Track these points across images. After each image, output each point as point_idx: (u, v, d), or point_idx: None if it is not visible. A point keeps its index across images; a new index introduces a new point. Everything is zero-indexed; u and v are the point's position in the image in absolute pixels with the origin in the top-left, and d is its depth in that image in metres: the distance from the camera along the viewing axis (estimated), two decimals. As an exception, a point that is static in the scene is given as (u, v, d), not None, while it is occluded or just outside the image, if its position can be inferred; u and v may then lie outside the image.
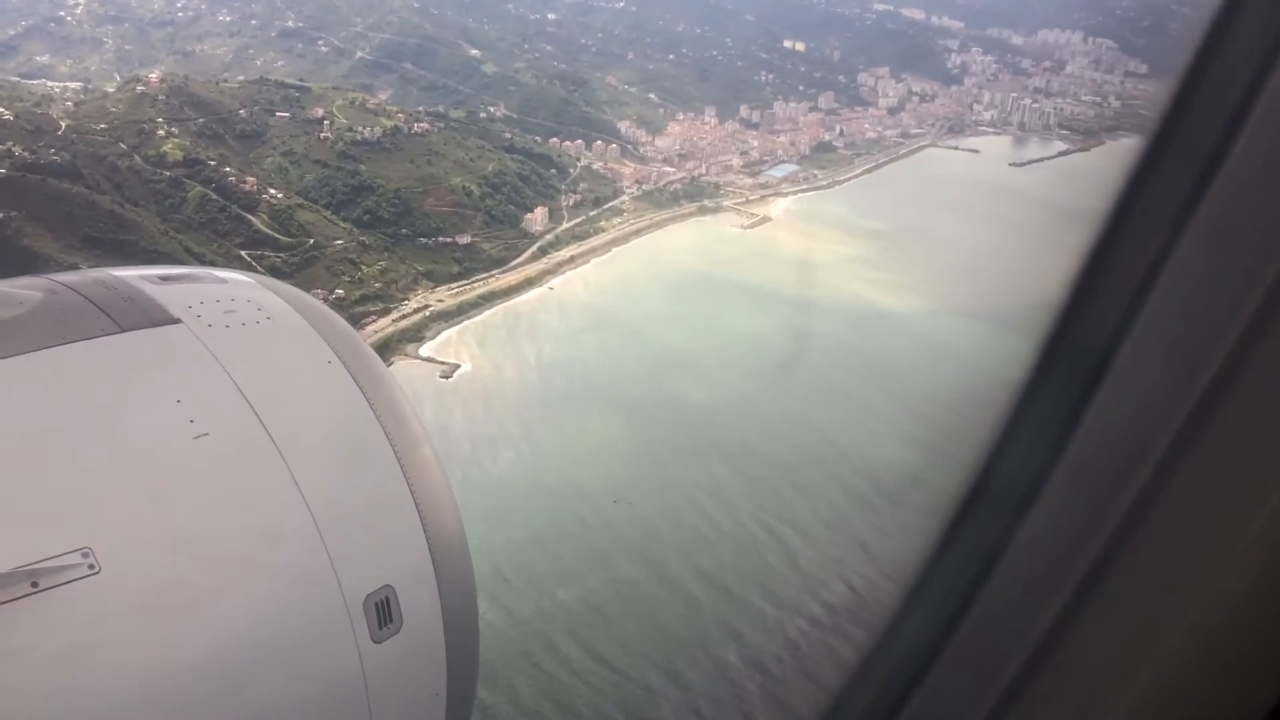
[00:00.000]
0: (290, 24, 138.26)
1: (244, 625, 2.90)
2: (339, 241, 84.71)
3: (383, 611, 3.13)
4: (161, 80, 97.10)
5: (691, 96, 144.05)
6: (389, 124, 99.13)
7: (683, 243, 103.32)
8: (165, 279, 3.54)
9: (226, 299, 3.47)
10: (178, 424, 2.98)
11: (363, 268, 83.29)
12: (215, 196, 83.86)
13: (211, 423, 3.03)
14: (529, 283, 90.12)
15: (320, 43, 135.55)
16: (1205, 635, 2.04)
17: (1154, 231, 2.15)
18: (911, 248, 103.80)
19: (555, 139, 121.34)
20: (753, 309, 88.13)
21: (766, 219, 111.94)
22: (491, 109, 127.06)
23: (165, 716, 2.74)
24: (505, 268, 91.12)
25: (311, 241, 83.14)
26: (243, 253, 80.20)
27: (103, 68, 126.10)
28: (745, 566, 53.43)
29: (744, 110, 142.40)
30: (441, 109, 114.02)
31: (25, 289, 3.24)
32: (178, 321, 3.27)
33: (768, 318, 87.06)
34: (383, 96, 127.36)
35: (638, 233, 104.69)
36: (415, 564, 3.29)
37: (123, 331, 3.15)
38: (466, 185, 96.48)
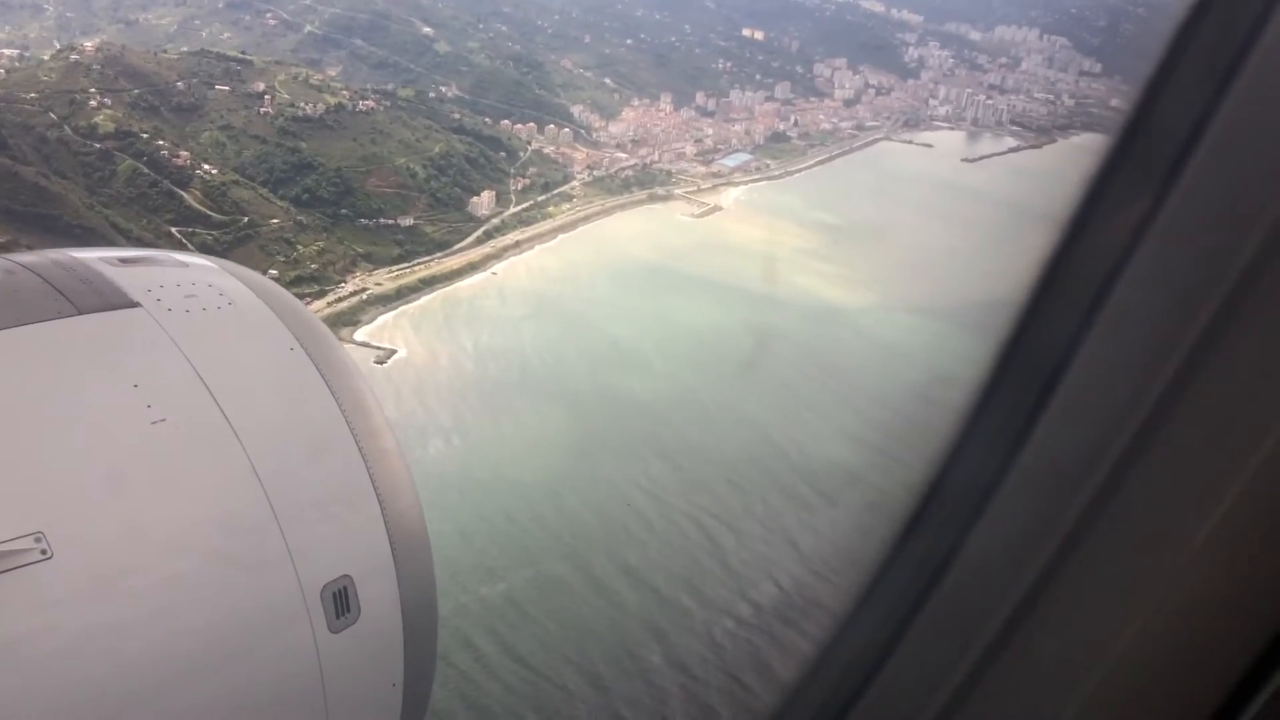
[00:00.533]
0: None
1: (199, 613, 2.87)
2: (275, 220, 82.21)
3: (340, 601, 3.09)
4: (97, 49, 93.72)
5: (647, 82, 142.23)
6: (333, 101, 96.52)
7: (632, 230, 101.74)
8: (125, 261, 3.48)
9: (187, 283, 3.41)
10: (135, 409, 2.93)
11: (299, 248, 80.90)
12: (147, 171, 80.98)
13: (169, 408, 2.98)
14: (472, 267, 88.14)
15: (268, 15, 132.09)
16: (1156, 639, 2.06)
17: (1114, 234, 2.13)
18: (862, 241, 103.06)
19: (507, 121, 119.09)
20: (699, 300, 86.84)
21: (717, 208, 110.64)
22: (443, 89, 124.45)
23: (118, 703, 2.70)
24: (448, 251, 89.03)
25: (246, 220, 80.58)
26: (173, 229, 77.56)
27: (42, 35, 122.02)
28: (674, 564, 52.25)
29: (700, 98, 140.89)
30: (390, 87, 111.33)
31: None
32: (137, 305, 3.21)
33: (714, 309, 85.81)
34: (331, 73, 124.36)
35: (586, 219, 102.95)
36: (374, 554, 3.26)
37: (80, 314, 3.10)
38: (411, 166, 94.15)
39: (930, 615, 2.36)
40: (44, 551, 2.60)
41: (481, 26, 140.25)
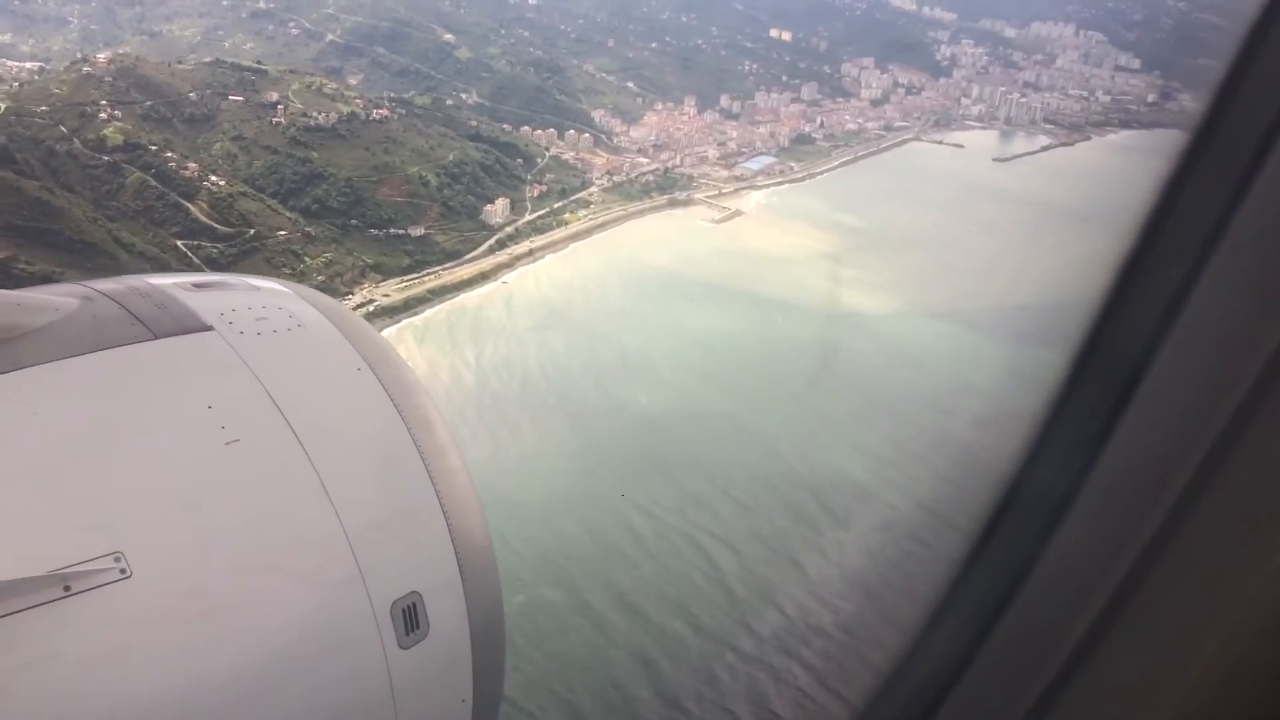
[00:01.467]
0: (261, 5, 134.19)
1: (272, 631, 2.94)
2: (282, 232, 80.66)
3: (410, 618, 3.16)
4: (110, 61, 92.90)
5: (671, 86, 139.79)
6: (346, 110, 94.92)
7: (649, 237, 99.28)
8: (199, 286, 3.61)
9: (259, 306, 3.53)
10: (209, 430, 3.02)
11: (306, 259, 79.23)
12: (154, 183, 79.69)
13: (242, 429, 3.07)
14: (483, 277, 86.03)
15: (291, 25, 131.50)
16: (1236, 656, 2.01)
17: (1191, 236, 2.13)
18: (885, 245, 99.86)
19: (527, 127, 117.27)
20: (715, 308, 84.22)
21: (738, 213, 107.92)
22: (464, 95, 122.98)
23: (194, 719, 2.77)
24: (459, 261, 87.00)
25: (253, 231, 79.07)
26: (179, 243, 76.22)
27: (66, 47, 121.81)
28: (669, 589, 49.64)
29: (724, 100, 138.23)
30: (408, 95, 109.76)
31: (61, 295, 3.28)
32: (210, 329, 3.33)
33: (730, 318, 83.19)
34: (352, 81, 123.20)
35: (603, 226, 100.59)
36: (442, 571, 3.33)
37: (156, 338, 3.21)
38: (424, 174, 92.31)
39: (1009, 627, 2.33)
40: (123, 571, 2.67)
41: (503, 32, 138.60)
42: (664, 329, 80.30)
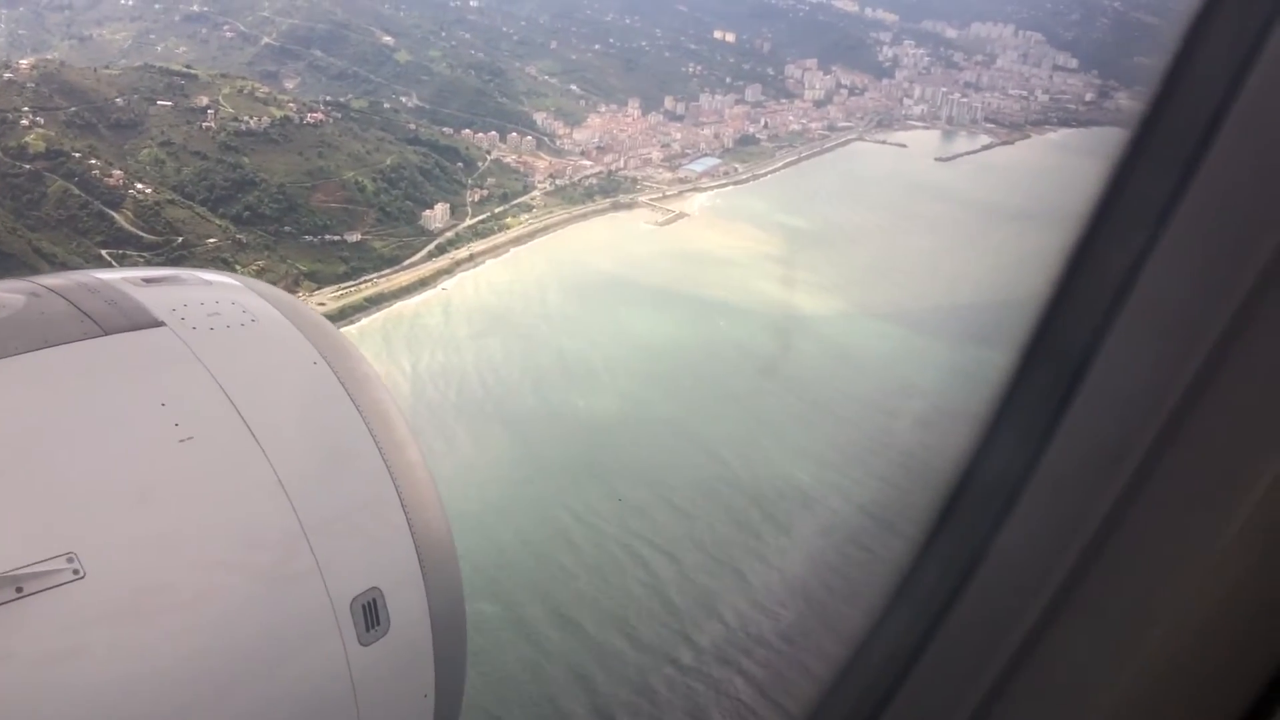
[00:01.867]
0: (195, 9, 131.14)
1: (230, 628, 2.89)
2: (212, 240, 78.46)
3: (370, 614, 3.12)
4: (33, 67, 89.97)
5: (615, 88, 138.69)
6: (279, 114, 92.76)
7: (591, 240, 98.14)
8: (149, 281, 3.51)
9: (210, 301, 3.45)
10: (162, 427, 2.96)
11: (237, 268, 76.87)
12: (78, 192, 77.18)
13: (196, 426, 3.01)
14: (422, 283, 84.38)
15: (225, 28, 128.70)
16: (1184, 640, 2.07)
17: (1133, 231, 2.16)
18: (828, 245, 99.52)
19: (468, 130, 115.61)
20: (657, 312, 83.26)
21: (682, 215, 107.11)
22: (403, 99, 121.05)
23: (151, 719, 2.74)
24: (397, 267, 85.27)
25: (180, 240, 76.79)
26: (103, 252, 73.76)
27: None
28: (607, 601, 48.48)
29: (669, 102, 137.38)
30: (344, 99, 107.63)
31: (7, 292, 3.21)
32: (161, 324, 3.25)
33: (672, 321, 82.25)
34: (289, 85, 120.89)
35: (545, 230, 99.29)
36: (402, 566, 3.27)
37: (106, 335, 3.14)
38: (360, 179, 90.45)
39: (959, 616, 2.35)
40: (76, 571, 2.63)
41: (444, 34, 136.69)
42: (605, 333, 79.19)
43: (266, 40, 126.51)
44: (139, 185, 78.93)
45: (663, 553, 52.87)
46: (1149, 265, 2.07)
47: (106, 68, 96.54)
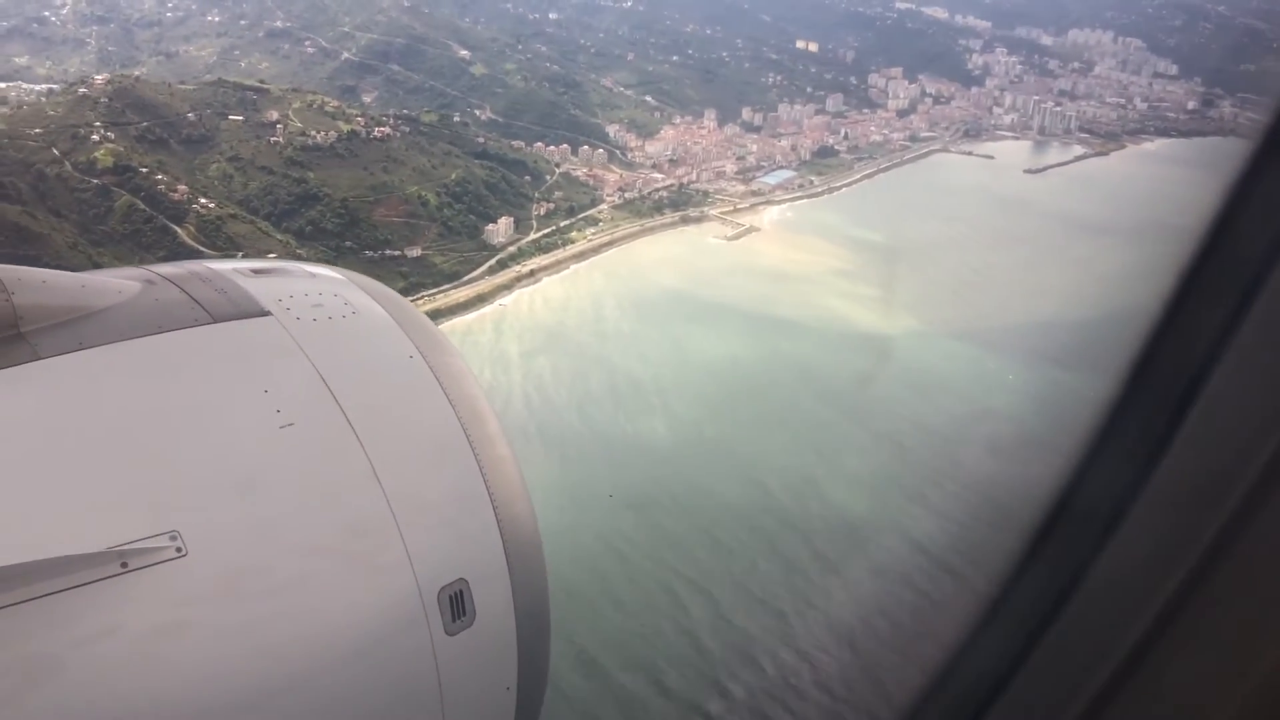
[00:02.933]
0: (279, 24, 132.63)
1: (322, 613, 2.95)
2: (272, 255, 77.73)
3: (456, 604, 3.16)
4: (108, 82, 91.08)
5: (691, 99, 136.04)
6: (346, 128, 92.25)
7: (658, 255, 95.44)
8: (258, 272, 3.65)
9: (315, 293, 3.57)
10: (265, 414, 3.05)
11: (296, 284, 76.29)
12: (143, 206, 77.53)
13: (297, 413, 3.09)
14: (480, 299, 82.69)
15: (307, 43, 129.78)
16: None
17: (1256, 239, 2.09)
18: (903, 261, 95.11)
19: (540, 144, 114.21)
20: (719, 330, 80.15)
21: (753, 229, 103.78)
22: (478, 112, 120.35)
23: (244, 698, 2.80)
24: (457, 283, 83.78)
25: (240, 254, 76.35)
26: (164, 267, 73.56)
27: (82, 69, 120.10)
28: (637, 644, 45.61)
29: (746, 113, 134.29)
30: (414, 113, 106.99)
31: (125, 279, 3.34)
32: (268, 314, 3.36)
33: (738, 340, 79.02)
34: (367, 99, 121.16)
35: (611, 244, 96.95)
36: (489, 559, 3.31)
37: (215, 322, 3.26)
38: (423, 194, 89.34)
39: (1060, 632, 2.30)
40: (179, 550, 2.70)
41: (520, 48, 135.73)
42: (662, 353, 76.41)
43: (346, 55, 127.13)
44: (203, 200, 78.94)
45: (699, 590, 49.84)
46: (1267, 286, 1.96)
47: (182, 83, 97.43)
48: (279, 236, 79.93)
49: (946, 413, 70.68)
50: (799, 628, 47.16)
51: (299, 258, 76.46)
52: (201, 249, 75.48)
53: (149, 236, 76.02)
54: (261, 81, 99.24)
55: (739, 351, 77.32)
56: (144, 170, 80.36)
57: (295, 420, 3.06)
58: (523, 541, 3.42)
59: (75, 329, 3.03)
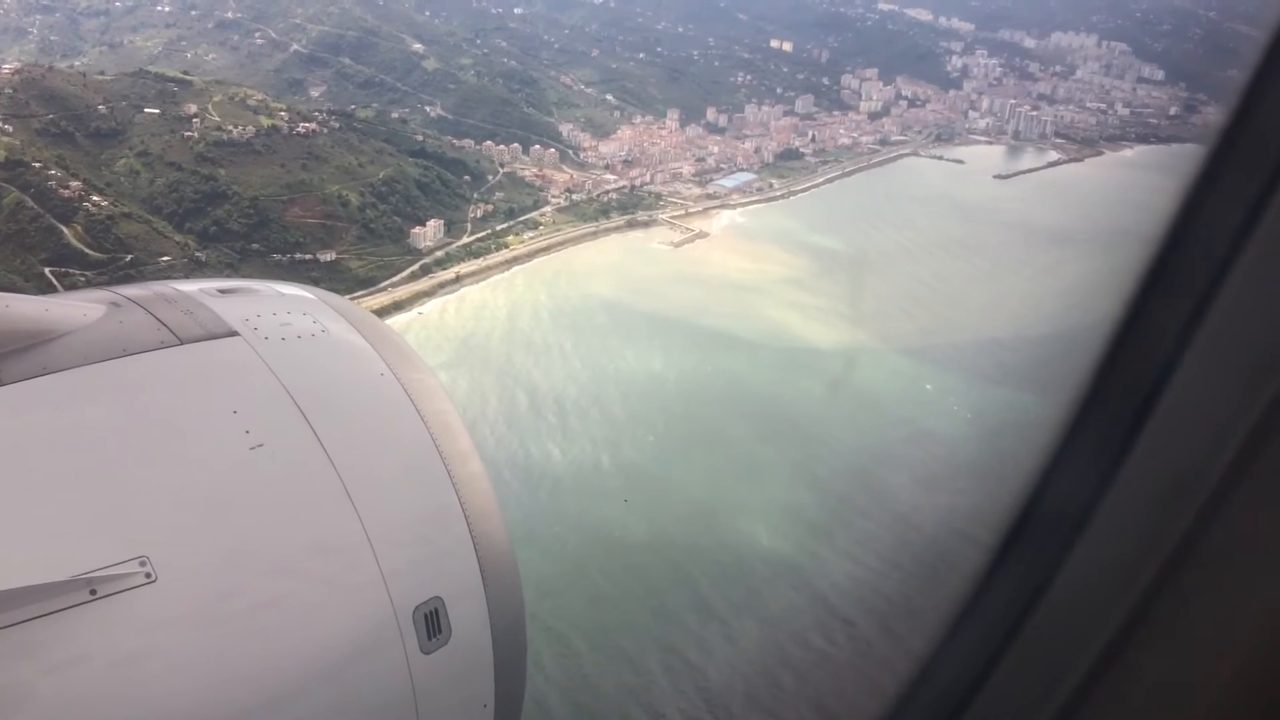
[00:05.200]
0: (230, 15, 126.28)
1: (296, 634, 2.89)
2: (166, 258, 71.45)
3: (432, 623, 3.11)
4: (15, 73, 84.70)
5: (654, 99, 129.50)
6: (267, 123, 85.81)
7: (596, 261, 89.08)
8: (225, 292, 3.58)
9: (283, 312, 3.49)
10: (234, 435, 2.99)
11: (189, 289, 69.86)
12: (31, 204, 71.08)
13: (267, 434, 3.02)
14: (396, 307, 76.28)
15: (257, 35, 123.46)
16: (1264, 665, 1.98)
17: (1214, 244, 2.08)
18: (857, 270, 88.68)
19: (490, 142, 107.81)
20: (654, 344, 73.87)
21: (702, 234, 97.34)
22: (428, 108, 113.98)
23: None
24: (372, 289, 77.40)
25: (129, 258, 69.98)
26: (46, 270, 67.40)
27: (21, 59, 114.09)
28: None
29: (711, 113, 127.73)
30: (348, 109, 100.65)
31: (89, 301, 3.26)
32: (235, 334, 3.29)
33: (669, 355, 72.74)
34: (314, 93, 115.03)
35: (548, 249, 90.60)
36: (464, 576, 3.26)
37: (182, 344, 3.18)
38: (344, 193, 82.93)
39: (1030, 636, 2.30)
40: (148, 575, 2.63)
41: (479, 42, 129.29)
42: (587, 367, 70.16)
43: (296, 47, 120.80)
44: (95, 198, 72.46)
45: (587, 639, 43.55)
46: (1226, 286, 1.96)
47: (101, 74, 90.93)
48: (177, 238, 73.48)
49: (879, 436, 64.43)
50: (667, 686, 40.94)
51: (196, 260, 70.27)
52: (87, 250, 69.12)
53: (34, 237, 69.58)
54: (185, 73, 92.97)
55: (669, 367, 71.06)
56: (37, 165, 73.93)
57: (265, 441, 2.97)
58: (497, 558, 3.30)
59: (38, 354, 2.94)
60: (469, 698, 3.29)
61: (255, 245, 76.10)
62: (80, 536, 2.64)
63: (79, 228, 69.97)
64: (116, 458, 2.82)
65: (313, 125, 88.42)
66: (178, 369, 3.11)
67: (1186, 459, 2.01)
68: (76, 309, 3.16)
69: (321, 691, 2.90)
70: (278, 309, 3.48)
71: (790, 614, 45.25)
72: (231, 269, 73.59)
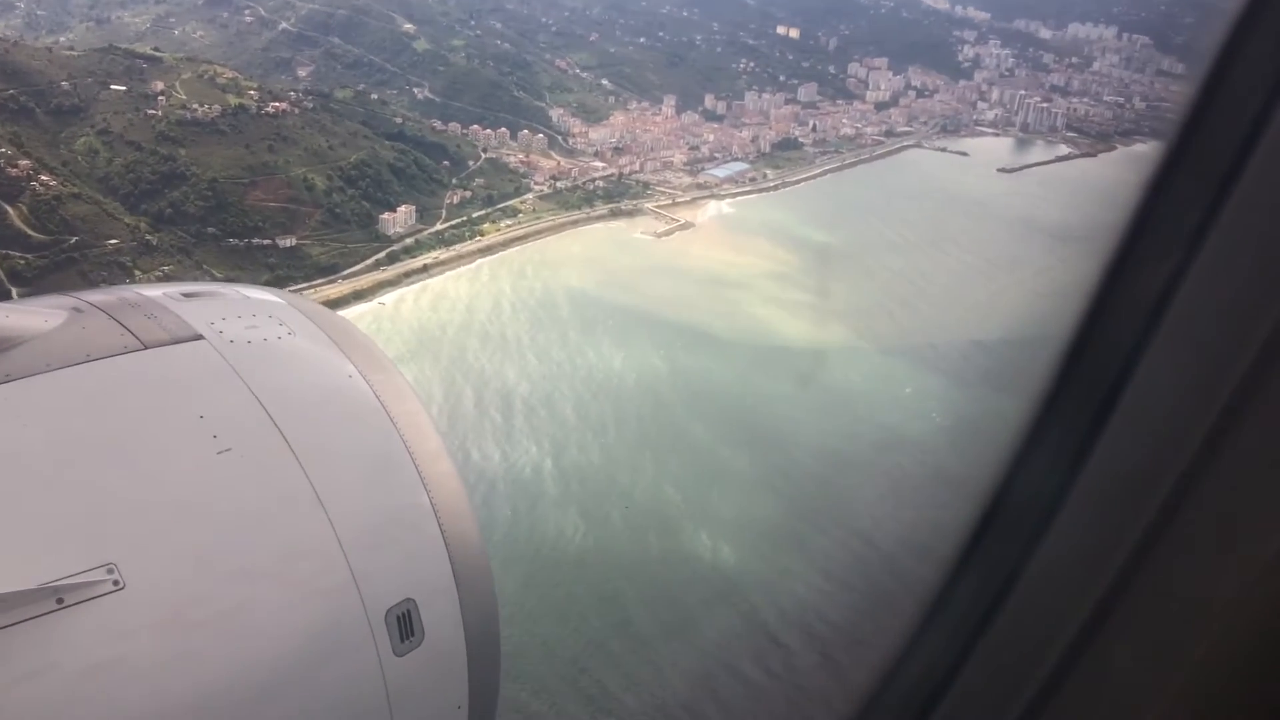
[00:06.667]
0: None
1: (266, 639, 2.87)
2: (113, 241, 68.18)
3: (404, 624, 3.10)
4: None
5: (652, 84, 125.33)
6: (235, 102, 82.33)
7: (573, 251, 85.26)
8: (189, 295, 3.51)
9: (249, 315, 3.45)
10: (200, 440, 2.96)
11: (137, 273, 66.73)
12: (-25, 183, 67.93)
13: (234, 438, 2.99)
14: (356, 296, 72.77)
15: (247, 12, 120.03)
16: (1227, 653, 2.01)
17: (1171, 242, 2.08)
18: (847, 265, 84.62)
19: (477, 126, 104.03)
20: (625, 339, 70.14)
21: (687, 225, 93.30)
22: (416, 90, 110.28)
23: None
24: (333, 277, 73.91)
25: (74, 240, 66.72)
26: (-15, 252, 64.24)
27: (6, 34, 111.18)
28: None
29: (709, 100, 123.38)
30: (328, 89, 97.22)
31: (51, 307, 3.23)
32: (200, 338, 3.25)
33: (640, 351, 68.98)
34: (301, 73, 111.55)
35: (525, 238, 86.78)
36: (436, 577, 3.24)
37: (145, 348, 3.14)
38: (310, 177, 79.34)
39: (999, 631, 2.32)
40: (116, 583, 2.61)
41: (473, 23, 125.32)
42: (549, 365, 66.52)
43: (285, 25, 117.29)
44: (43, 177, 69.22)
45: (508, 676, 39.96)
46: (1188, 279, 1.97)
47: (70, 49, 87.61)
48: (128, 220, 70.11)
49: (854, 440, 60.51)
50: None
51: (147, 244, 67.03)
52: (30, 232, 65.89)
53: (-25, 217, 66.45)
54: (156, 49, 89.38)
55: (632, 365, 67.30)
56: (-14, 143, 70.75)
57: (232, 445, 2.93)
58: (470, 559, 3.27)
59: (1, 361, 2.89)
60: (443, 699, 3.22)
61: (211, 229, 72.68)
62: (46, 544, 2.59)
63: (24, 208, 66.77)
64: (82, 464, 2.76)
65: (283, 105, 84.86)
66: (142, 374, 3.03)
67: (1148, 456, 1.99)
68: (38, 315, 3.09)
69: (293, 696, 2.84)
70: (243, 312, 3.40)
71: (723, 638, 41.57)
72: (184, 254, 70.36)
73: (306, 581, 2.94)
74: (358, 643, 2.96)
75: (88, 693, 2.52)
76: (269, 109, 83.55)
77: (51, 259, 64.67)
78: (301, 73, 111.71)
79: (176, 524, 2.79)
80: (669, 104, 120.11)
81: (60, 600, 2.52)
